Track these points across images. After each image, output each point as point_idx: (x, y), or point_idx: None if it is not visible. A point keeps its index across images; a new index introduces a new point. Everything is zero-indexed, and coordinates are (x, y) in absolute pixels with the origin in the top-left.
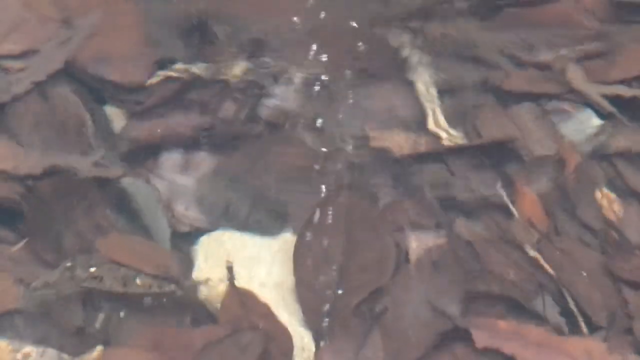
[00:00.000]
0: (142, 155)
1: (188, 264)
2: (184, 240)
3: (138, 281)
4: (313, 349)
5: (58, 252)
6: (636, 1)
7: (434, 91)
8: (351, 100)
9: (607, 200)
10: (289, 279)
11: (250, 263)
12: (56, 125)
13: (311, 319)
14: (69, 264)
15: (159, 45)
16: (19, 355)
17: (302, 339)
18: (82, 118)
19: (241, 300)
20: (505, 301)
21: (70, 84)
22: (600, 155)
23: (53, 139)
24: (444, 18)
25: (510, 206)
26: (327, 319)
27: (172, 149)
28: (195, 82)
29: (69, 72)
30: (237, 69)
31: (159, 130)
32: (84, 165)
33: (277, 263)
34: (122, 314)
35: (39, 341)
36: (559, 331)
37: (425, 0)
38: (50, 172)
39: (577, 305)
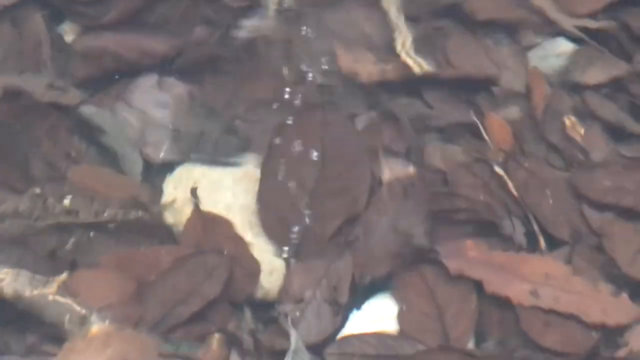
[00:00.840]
0: (104, 80)
1: (158, 193)
2: (156, 171)
3: (108, 211)
4: (283, 270)
5: (25, 179)
6: None
7: (402, 17)
8: (321, 25)
9: (572, 124)
10: (254, 204)
11: (216, 188)
12: (16, 48)
13: (279, 242)
14: (38, 191)
15: None
16: None
17: (271, 262)
18: (40, 38)
19: (204, 221)
20: (472, 222)
21: (38, 2)
22: (568, 84)
23: (13, 59)
24: None
25: (481, 128)
26: (296, 242)
27: (142, 75)
28: None
29: None
30: None
31: (119, 47)
32: (38, 86)
33: (242, 188)
34: (91, 235)
35: (13, 265)
36: (520, 249)
37: None
38: (6, 94)
39: (539, 223)
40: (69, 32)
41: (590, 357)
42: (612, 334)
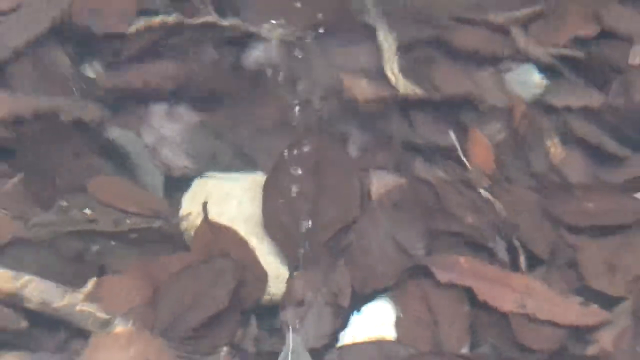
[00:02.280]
0: (127, 106)
1: (176, 205)
2: (174, 186)
3: (128, 221)
4: (285, 276)
5: (51, 190)
6: None
7: (393, 46)
8: (319, 54)
9: (554, 146)
10: (260, 215)
11: (227, 200)
12: (45, 78)
13: (284, 250)
14: (64, 204)
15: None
16: (18, 284)
17: (277, 268)
18: (67, 70)
19: (212, 230)
20: (463, 238)
21: (59, 39)
22: (547, 107)
23: (41, 89)
24: None
25: (461, 153)
26: (300, 250)
27: (160, 101)
28: (174, 30)
29: (58, 28)
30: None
31: (139, 79)
32: (66, 105)
33: (250, 200)
34: (112, 243)
35: (39, 271)
36: (505, 266)
37: None
38: (38, 115)
39: (520, 242)
40: (92, 66)
41: (562, 352)
42: (582, 335)
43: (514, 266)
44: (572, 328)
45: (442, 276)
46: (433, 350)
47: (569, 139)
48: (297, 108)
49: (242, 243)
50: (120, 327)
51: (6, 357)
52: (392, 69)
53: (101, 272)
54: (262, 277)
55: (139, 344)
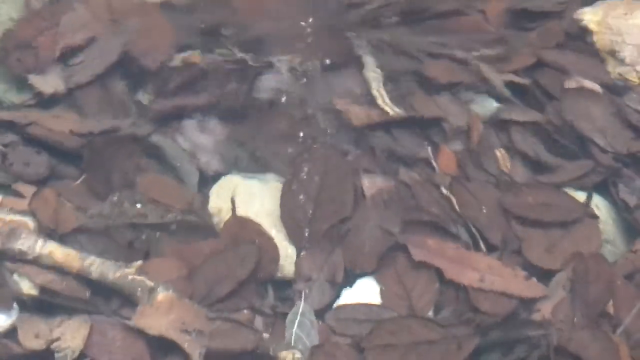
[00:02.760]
0: (169, 120)
1: (206, 199)
2: (205, 182)
3: (170, 216)
4: (295, 256)
5: (108, 188)
6: (527, 9)
7: (380, 78)
8: (321, 82)
9: (502, 154)
10: (278, 209)
11: (249, 196)
12: (108, 102)
13: (293, 237)
14: (115, 198)
15: (181, 41)
16: (86, 262)
17: (287, 250)
18: (126, 96)
19: (239, 222)
20: (431, 226)
21: (119, 71)
22: (497, 123)
23: (105, 111)
24: (382, 27)
25: (432, 160)
26: (305, 237)
27: (194, 117)
28: (206, 67)
29: (118, 64)
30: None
31: (179, 104)
32: (124, 125)
33: (268, 197)
34: (157, 234)
35: (99, 254)
36: (468, 247)
37: (367, 14)
38: (102, 132)
39: (478, 230)
40: (144, 94)
41: (512, 316)
42: (527, 304)
43: (475, 248)
44: (520, 299)
45: (416, 253)
46: (408, 314)
47: (512, 150)
48: (302, 124)
49: (263, 233)
50: (162, 294)
51: (73, 321)
52: (382, 95)
53: (146, 257)
54: (276, 258)
55: (177, 309)
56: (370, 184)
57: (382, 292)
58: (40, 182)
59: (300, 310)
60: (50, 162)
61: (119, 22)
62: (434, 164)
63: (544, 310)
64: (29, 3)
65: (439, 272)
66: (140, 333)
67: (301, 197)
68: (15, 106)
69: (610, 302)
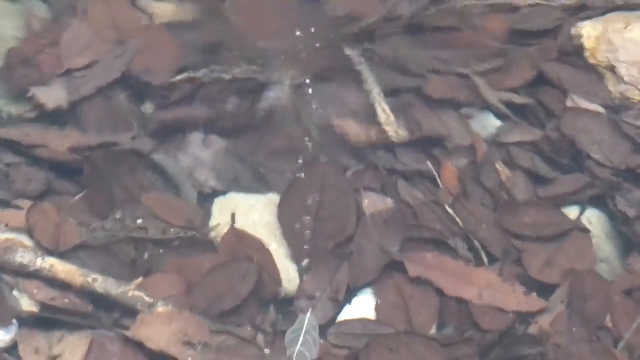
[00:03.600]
0: (170, 136)
1: (207, 215)
2: (206, 199)
3: (172, 230)
4: (297, 275)
5: (110, 203)
6: (526, 29)
7: (380, 93)
8: (319, 98)
9: (503, 170)
10: (277, 225)
11: (249, 212)
12: (109, 115)
13: (295, 253)
14: (118, 215)
15: (183, 59)
16: (89, 279)
17: (286, 265)
18: (127, 109)
19: (237, 236)
20: (432, 242)
21: (120, 86)
22: (498, 144)
23: (107, 124)
24: (382, 41)
25: (437, 176)
26: (307, 254)
27: (194, 132)
28: (207, 83)
29: (122, 78)
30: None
31: (180, 116)
32: (124, 139)
33: (267, 213)
34: (160, 251)
35: (100, 271)
36: (468, 261)
37: (367, 28)
38: (101, 145)
39: (480, 243)
40: (146, 106)
41: (509, 331)
42: (526, 318)
43: (476, 262)
44: (518, 313)
45: (412, 270)
46: (408, 330)
47: (512, 166)
48: (302, 139)
49: (263, 248)
50: (161, 308)
51: (73, 336)
52: (383, 111)
53: (148, 274)
54: (276, 275)
55: (179, 320)
56: (370, 201)
57: (379, 307)
58: (38, 197)
59: (305, 327)
60: (48, 177)
61: (122, 41)
62: (438, 180)
63: (542, 322)
64: (30, 22)
65: (438, 288)
66: (139, 346)
67: (301, 213)
68: (14, 119)
69: (608, 317)
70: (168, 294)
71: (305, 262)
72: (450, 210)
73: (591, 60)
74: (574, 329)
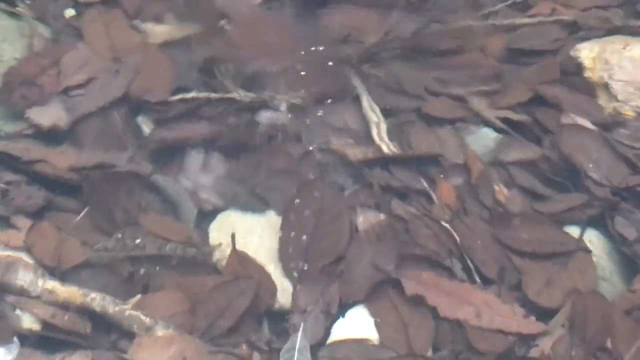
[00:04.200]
0: (169, 156)
1: (206, 235)
2: (205, 218)
3: (168, 248)
4: (291, 290)
5: (111, 224)
6: (524, 48)
7: (377, 113)
8: (319, 119)
9: (500, 188)
10: (275, 244)
11: (247, 232)
12: (107, 135)
13: (288, 272)
14: (120, 235)
15: (180, 78)
16: (88, 299)
17: (283, 284)
18: (125, 129)
19: (239, 258)
20: (427, 261)
21: (118, 105)
22: (496, 162)
23: (104, 144)
24: (381, 61)
25: (432, 193)
26: (300, 272)
27: (193, 152)
28: (205, 103)
29: (119, 100)
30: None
31: (179, 135)
32: (121, 160)
33: (266, 234)
34: (157, 269)
35: (101, 289)
36: (462, 281)
37: (366, 50)
38: (98, 166)
39: (474, 264)
40: (144, 124)
41: (509, 354)
42: (525, 342)
43: (470, 282)
44: (519, 336)
45: (409, 288)
46: (409, 353)
47: (510, 183)
48: (301, 159)
49: (261, 268)
50: (161, 331)
51: (74, 357)
52: (380, 133)
53: (145, 291)
54: (272, 292)
55: (178, 343)
56: (364, 218)
57: (378, 326)
58: (36, 214)
59: (297, 346)
60: (48, 194)
61: (120, 60)
62: (434, 197)
63: (543, 346)
64: (31, 43)
65: (434, 308)
66: None
67: (297, 233)
68: (11, 136)
69: (609, 339)
70: (169, 312)
71: (298, 277)
72: (447, 226)
73: (590, 80)
74: (573, 352)
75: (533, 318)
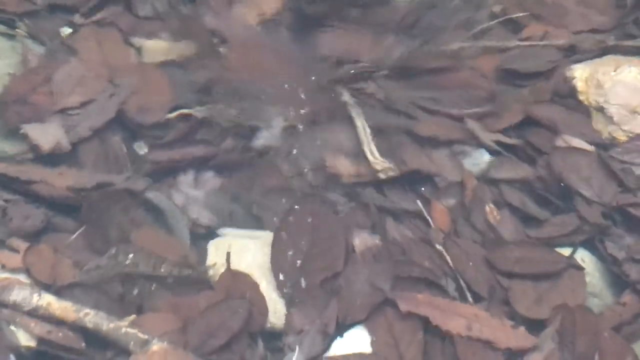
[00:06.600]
0: (164, 175)
1: (202, 253)
2: (202, 237)
3: (163, 267)
4: (284, 310)
5: (105, 242)
6: (518, 70)
7: (369, 132)
8: (311, 138)
9: (491, 210)
10: (269, 263)
11: (242, 251)
12: (104, 156)
13: (281, 290)
14: (113, 252)
15: (177, 98)
16: (81, 314)
17: (276, 302)
18: (121, 151)
19: (233, 276)
20: (422, 281)
21: (114, 126)
22: (489, 180)
23: (101, 165)
24: (374, 82)
25: (427, 215)
26: (295, 289)
27: (188, 171)
28: (202, 124)
29: (114, 120)
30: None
31: (175, 157)
32: (119, 180)
33: (260, 251)
34: (152, 287)
35: (93, 307)
36: (455, 299)
37: (359, 70)
38: (97, 187)
39: (466, 283)
40: (140, 147)
41: None
42: (515, 357)
43: (462, 300)
44: (509, 349)
45: (404, 306)
46: None
47: (502, 204)
48: (295, 178)
49: (254, 286)
50: (156, 346)
51: None
52: (371, 151)
53: (139, 311)
54: (264, 310)
55: (172, 357)
56: (361, 239)
57: (373, 343)
58: (35, 235)
59: None
60: (47, 214)
61: (115, 79)
62: (429, 219)
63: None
64: (26, 60)
65: (425, 323)
66: None
67: (291, 252)
68: (10, 158)
69: (597, 356)
70: (163, 331)
71: (292, 295)
72: (439, 247)
73: (584, 102)
74: None
75: (523, 329)
